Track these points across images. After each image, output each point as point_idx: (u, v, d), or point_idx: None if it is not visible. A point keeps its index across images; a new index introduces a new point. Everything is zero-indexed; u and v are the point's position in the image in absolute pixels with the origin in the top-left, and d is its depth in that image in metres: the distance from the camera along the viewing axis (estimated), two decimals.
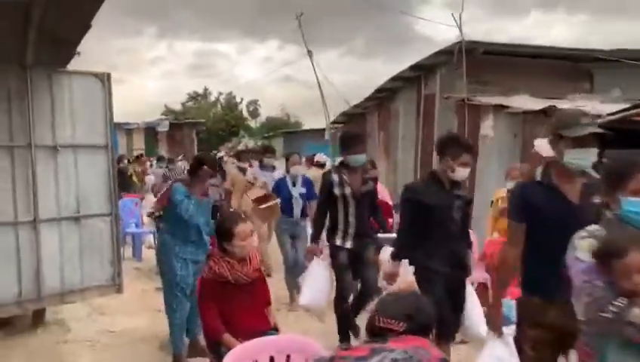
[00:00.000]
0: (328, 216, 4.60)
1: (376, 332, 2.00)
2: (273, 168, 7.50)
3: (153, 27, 72.50)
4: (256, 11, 64.81)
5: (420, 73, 9.60)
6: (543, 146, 4.15)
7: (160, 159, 13.18)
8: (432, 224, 3.48)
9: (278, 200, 6.18)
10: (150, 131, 27.98)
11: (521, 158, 6.98)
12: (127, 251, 8.76)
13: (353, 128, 12.99)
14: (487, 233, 5.43)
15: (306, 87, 63.75)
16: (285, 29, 66.07)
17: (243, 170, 7.87)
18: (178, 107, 44.99)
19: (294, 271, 5.94)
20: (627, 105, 6.28)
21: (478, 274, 4.74)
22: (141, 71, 66.95)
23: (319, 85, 13.82)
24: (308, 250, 4.87)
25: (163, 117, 36.09)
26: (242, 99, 46.19)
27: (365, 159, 4.56)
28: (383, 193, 6.10)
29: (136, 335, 5.17)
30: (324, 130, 20.43)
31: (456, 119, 8.38)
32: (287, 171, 6.26)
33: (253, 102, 47.08)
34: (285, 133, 34.59)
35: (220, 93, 46.38)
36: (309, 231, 5.74)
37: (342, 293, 4.57)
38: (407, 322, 1.98)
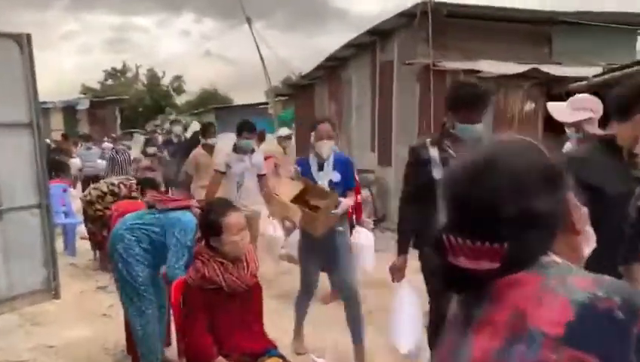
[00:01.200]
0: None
1: (457, 280, 0.95)
2: (252, 151, 5.51)
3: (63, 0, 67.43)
4: None
5: (374, 38, 8.99)
6: (561, 111, 3.63)
7: (87, 138, 11.74)
8: (600, 220, 2.03)
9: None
10: (69, 110, 26.14)
11: (494, 126, 6.58)
12: (59, 245, 7.69)
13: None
14: None
15: (229, 62, 61.73)
16: (199, 1, 63.35)
17: (209, 149, 6.38)
18: (96, 85, 42.29)
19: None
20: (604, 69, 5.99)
21: None
22: (53, 47, 62.26)
23: (260, 55, 12.96)
24: (392, 268, 3.16)
25: (82, 95, 33.71)
26: (165, 73, 44.08)
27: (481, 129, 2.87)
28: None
29: (83, 350, 4.32)
30: (259, 104, 19.50)
31: (418, 87, 7.86)
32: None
33: (177, 78, 45.04)
34: (217, 108, 33.18)
35: (139, 66, 44.01)
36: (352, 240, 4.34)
37: (438, 324, 2.90)
38: (510, 232, 0.89)
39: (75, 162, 11.31)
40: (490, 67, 6.65)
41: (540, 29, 8.46)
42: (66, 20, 64.37)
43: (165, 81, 44.22)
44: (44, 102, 24.73)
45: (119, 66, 45.01)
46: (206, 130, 6.72)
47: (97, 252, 6.90)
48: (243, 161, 5.28)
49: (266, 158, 6.87)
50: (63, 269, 6.71)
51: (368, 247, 5.10)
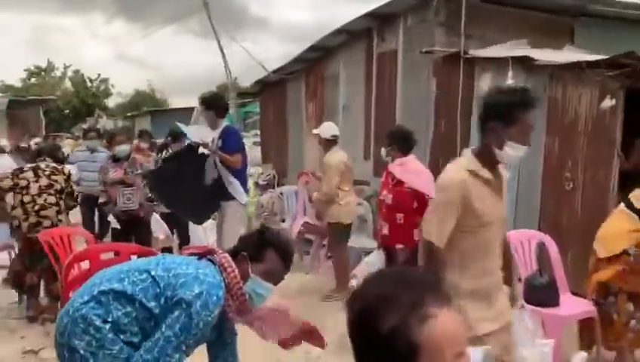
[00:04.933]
0: None
1: None
2: None
3: None
4: None
5: (372, 25, 7.56)
6: None
7: (98, 135, 7.27)
8: None
9: None
10: None
11: (548, 132, 5.30)
12: None
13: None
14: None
15: (149, 66, 58.68)
16: (107, 3, 60.15)
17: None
18: (18, 84, 38.59)
19: None
20: None
21: None
22: None
23: (220, 47, 11.31)
24: None
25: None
26: (99, 75, 40.97)
27: None
28: (422, 178, 3.77)
29: None
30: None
31: (435, 82, 6.50)
32: None
33: (104, 81, 41.91)
34: (153, 112, 30.89)
35: (67, 66, 40.65)
36: None
37: None
38: None
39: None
40: (541, 55, 5.37)
41: (563, 20, 7.36)
42: None
43: (96, 82, 41.13)
44: None
45: (43, 65, 41.37)
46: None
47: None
48: None
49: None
50: None
51: None
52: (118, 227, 5.40)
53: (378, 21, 7.46)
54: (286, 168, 10.30)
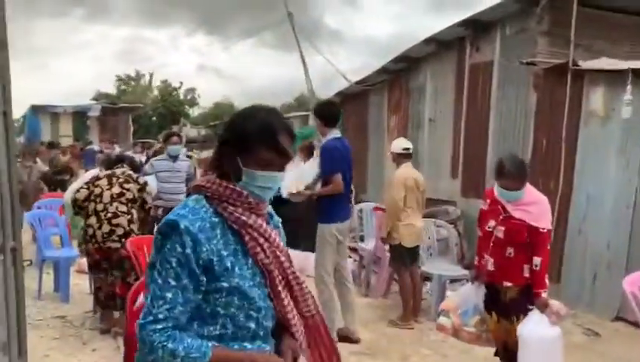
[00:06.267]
0: None
1: None
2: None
3: (80, 9, 66.08)
4: None
5: (465, 34, 7.08)
6: None
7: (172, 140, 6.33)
8: None
9: None
10: (79, 115, 24.63)
11: None
12: (48, 284, 5.77)
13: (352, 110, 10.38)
14: None
15: (228, 77, 60.25)
16: (188, 18, 62.50)
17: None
18: (112, 91, 40.83)
19: None
20: None
21: None
22: (67, 55, 60.88)
23: (302, 57, 11.14)
24: None
25: (94, 102, 32.14)
26: (182, 84, 42.48)
27: None
28: (540, 208, 3.28)
29: None
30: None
31: (535, 95, 5.92)
32: None
33: (191, 90, 43.38)
34: None
35: (151, 74, 42.48)
36: None
37: None
38: None
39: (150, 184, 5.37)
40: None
41: None
42: (80, 30, 62.91)
43: (181, 90, 42.75)
44: (54, 106, 23.44)
45: (132, 74, 43.54)
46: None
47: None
48: None
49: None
50: (48, 326, 4.80)
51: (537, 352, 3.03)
52: None
53: (472, 30, 6.96)
54: (365, 183, 9.93)
